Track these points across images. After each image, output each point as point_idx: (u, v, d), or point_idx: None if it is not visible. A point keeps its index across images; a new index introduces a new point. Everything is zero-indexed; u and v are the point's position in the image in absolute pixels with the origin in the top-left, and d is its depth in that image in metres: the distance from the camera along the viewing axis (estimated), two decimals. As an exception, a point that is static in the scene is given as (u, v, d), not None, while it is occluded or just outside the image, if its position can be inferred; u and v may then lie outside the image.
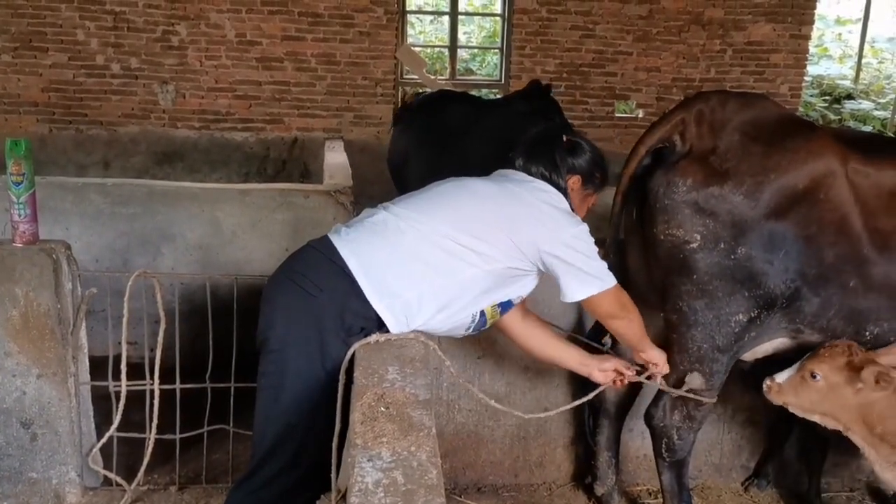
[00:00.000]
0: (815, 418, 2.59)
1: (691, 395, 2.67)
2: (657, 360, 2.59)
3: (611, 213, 2.76)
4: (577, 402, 2.73)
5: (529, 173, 2.40)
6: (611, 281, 2.33)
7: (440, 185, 2.36)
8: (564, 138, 2.47)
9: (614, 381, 2.61)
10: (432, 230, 2.18)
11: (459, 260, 2.18)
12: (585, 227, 2.33)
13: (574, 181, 2.44)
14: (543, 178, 2.39)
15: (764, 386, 2.60)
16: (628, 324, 2.47)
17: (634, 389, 2.95)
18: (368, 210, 2.31)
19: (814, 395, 2.52)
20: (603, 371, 2.59)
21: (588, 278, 2.28)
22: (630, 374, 2.60)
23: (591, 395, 2.64)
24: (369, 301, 2.11)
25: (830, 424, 2.58)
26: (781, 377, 2.57)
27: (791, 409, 2.59)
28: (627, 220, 2.77)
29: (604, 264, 2.34)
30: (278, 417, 2.15)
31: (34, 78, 6.70)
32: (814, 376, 2.50)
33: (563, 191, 2.39)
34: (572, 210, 2.40)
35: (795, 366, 2.57)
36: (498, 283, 2.27)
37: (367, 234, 2.19)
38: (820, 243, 2.48)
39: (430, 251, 2.16)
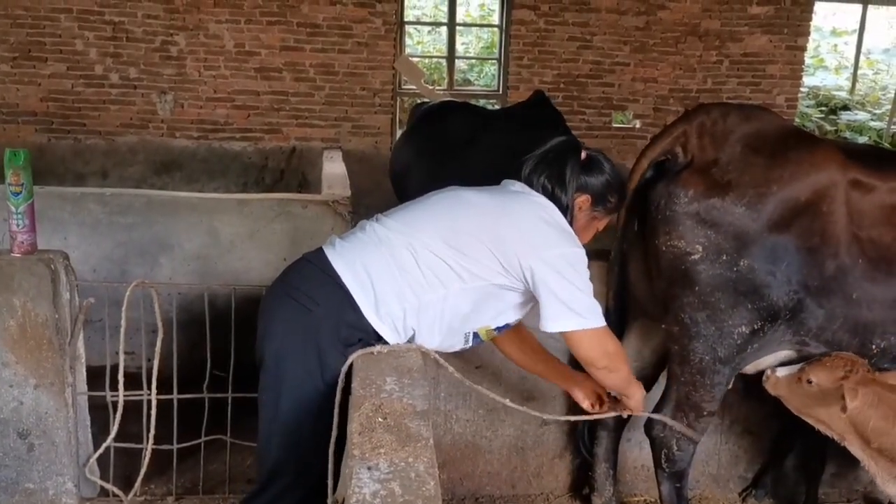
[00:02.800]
0: (810, 421, 2.61)
1: (679, 427, 2.70)
2: (636, 408, 2.54)
3: (615, 227, 2.76)
4: (582, 417, 2.69)
5: (531, 185, 2.29)
6: (595, 321, 2.17)
7: (436, 195, 2.32)
8: (583, 154, 2.32)
9: (592, 405, 2.59)
10: (422, 245, 2.14)
11: (445, 276, 2.14)
12: (580, 252, 2.19)
13: (583, 200, 2.30)
14: (545, 190, 2.26)
15: (764, 375, 2.63)
16: (607, 374, 2.34)
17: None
18: (363, 222, 2.30)
19: (806, 398, 2.55)
20: (583, 391, 2.59)
21: (565, 311, 2.12)
22: (607, 405, 2.59)
23: (600, 415, 2.63)
24: (365, 315, 2.10)
25: (825, 431, 2.59)
26: (782, 371, 2.61)
27: (786, 405, 2.62)
28: (630, 232, 2.77)
29: (592, 301, 2.18)
30: (280, 432, 2.14)
31: (33, 87, 6.71)
32: (809, 381, 2.52)
33: (565, 208, 2.27)
34: (573, 230, 2.26)
35: (800, 365, 2.60)
36: (487, 302, 2.21)
37: (360, 246, 2.18)
38: (823, 255, 2.48)
39: (417, 266, 2.13)
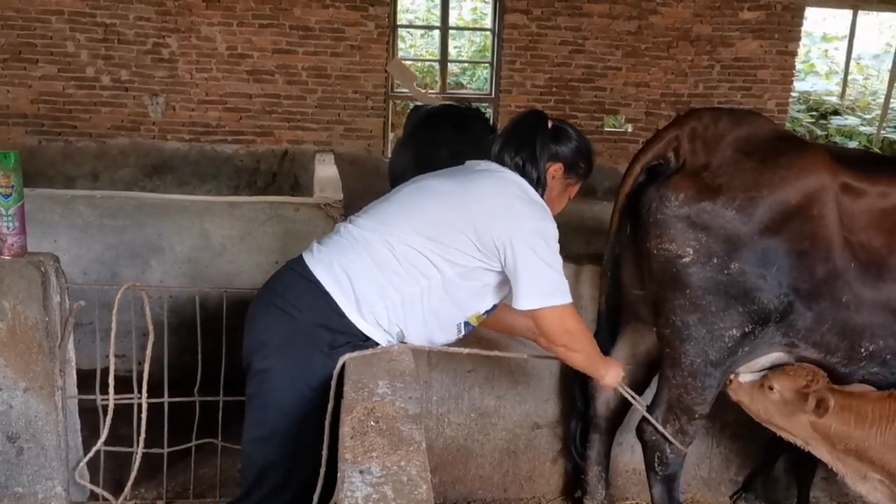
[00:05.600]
0: (771, 427, 2.66)
1: (668, 435, 2.71)
2: (609, 385, 2.54)
3: (608, 231, 2.77)
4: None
5: (502, 162, 2.29)
6: (560, 299, 2.18)
7: (404, 188, 2.32)
8: (549, 124, 2.34)
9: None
10: (398, 240, 2.15)
11: (425, 268, 2.15)
12: (552, 226, 2.20)
13: (555, 169, 2.33)
14: (516, 167, 2.27)
15: (727, 380, 2.68)
16: (566, 352, 2.34)
17: (626, 403, 2.96)
18: (338, 224, 2.31)
19: (767, 405, 2.60)
20: None
21: (534, 289, 2.15)
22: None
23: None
24: (348, 316, 2.11)
25: (787, 437, 2.64)
26: (745, 378, 2.66)
27: (746, 412, 2.67)
28: (622, 236, 2.78)
29: (560, 277, 2.19)
30: (266, 439, 2.15)
31: (24, 89, 6.68)
32: (771, 388, 2.58)
33: (537, 182, 2.28)
34: (546, 202, 2.28)
35: (763, 372, 2.64)
36: (470, 288, 2.22)
37: (337, 248, 2.19)
38: (813, 259, 2.49)
39: (396, 260, 2.14)
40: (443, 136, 4.49)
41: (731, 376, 2.67)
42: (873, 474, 2.54)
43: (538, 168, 2.29)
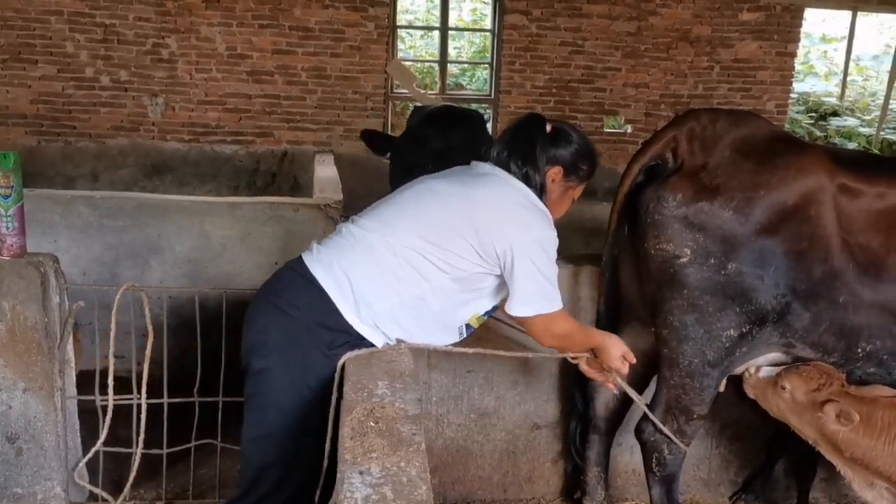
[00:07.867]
0: (786, 422, 2.64)
1: (668, 432, 2.70)
2: (610, 362, 2.48)
3: (606, 232, 2.77)
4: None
5: (507, 168, 2.28)
6: (548, 307, 2.22)
7: (407, 190, 2.32)
8: (548, 127, 2.34)
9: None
10: (399, 242, 2.16)
11: (426, 270, 2.16)
12: (552, 235, 2.22)
13: (555, 172, 2.32)
14: (517, 173, 2.27)
15: (745, 373, 2.67)
16: (558, 350, 2.47)
17: (625, 404, 2.96)
18: (339, 225, 2.32)
19: (779, 402, 2.59)
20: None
21: (525, 298, 2.19)
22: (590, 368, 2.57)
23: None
24: (345, 316, 2.12)
25: (801, 435, 2.63)
26: (763, 372, 2.65)
27: (761, 406, 2.66)
28: (621, 236, 2.78)
29: (552, 287, 2.22)
30: (265, 439, 2.15)
31: (23, 90, 6.68)
32: (783, 387, 2.56)
33: (540, 188, 2.28)
34: (546, 205, 2.28)
35: (780, 369, 2.63)
36: (471, 291, 2.23)
37: (338, 249, 2.19)
38: (810, 259, 2.50)
39: (398, 263, 2.15)
40: (441, 136, 4.49)
41: (751, 370, 2.66)
42: (880, 482, 2.53)
43: (539, 173, 2.29)
